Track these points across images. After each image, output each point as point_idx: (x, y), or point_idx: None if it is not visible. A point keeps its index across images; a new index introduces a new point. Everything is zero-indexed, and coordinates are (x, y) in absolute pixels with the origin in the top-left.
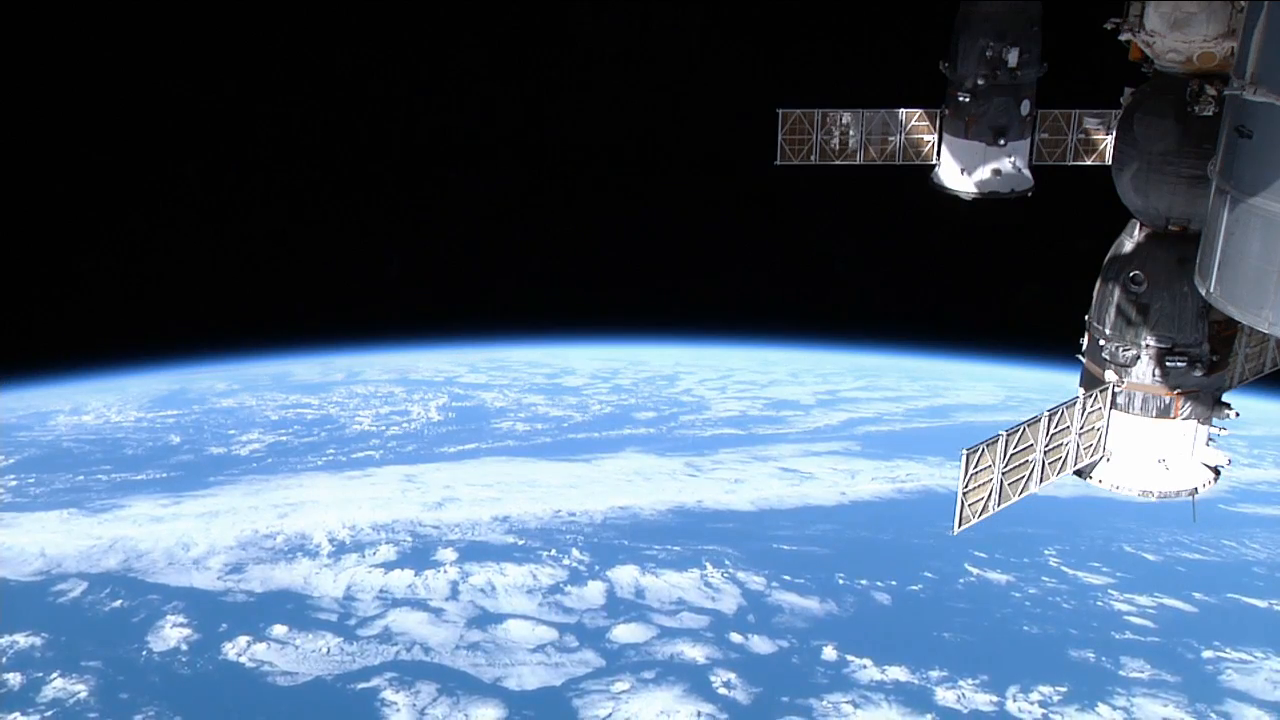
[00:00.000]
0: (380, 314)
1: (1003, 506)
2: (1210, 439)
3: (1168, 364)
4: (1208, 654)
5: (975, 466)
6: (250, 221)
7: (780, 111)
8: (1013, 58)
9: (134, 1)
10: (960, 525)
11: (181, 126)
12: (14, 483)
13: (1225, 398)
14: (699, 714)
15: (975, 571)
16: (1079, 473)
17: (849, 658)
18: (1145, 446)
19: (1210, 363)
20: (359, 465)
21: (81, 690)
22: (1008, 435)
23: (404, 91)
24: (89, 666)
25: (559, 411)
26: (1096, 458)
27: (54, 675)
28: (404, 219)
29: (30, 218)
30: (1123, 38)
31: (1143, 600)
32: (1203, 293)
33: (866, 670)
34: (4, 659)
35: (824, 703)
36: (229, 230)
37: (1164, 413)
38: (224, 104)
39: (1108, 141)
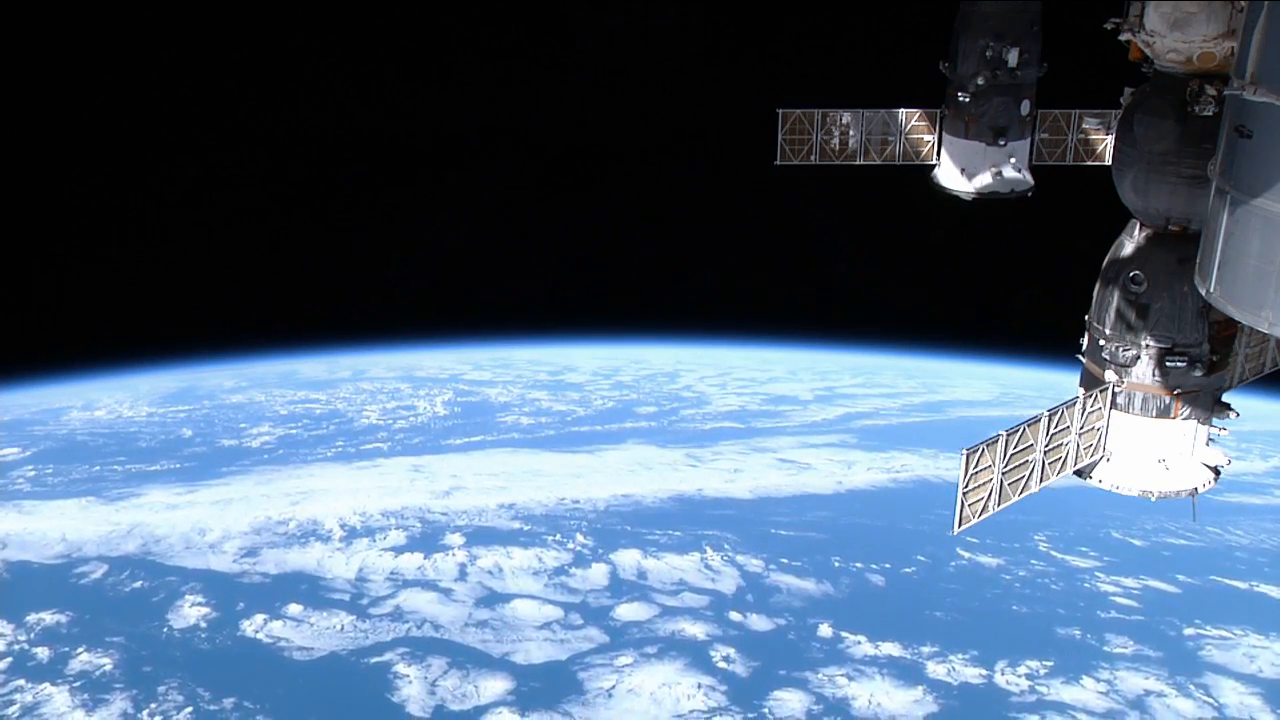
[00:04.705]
0: (385, 314)
1: (1003, 506)
2: (1210, 439)
3: (1168, 364)
4: (1189, 631)
5: (975, 466)
6: (255, 223)
7: (780, 111)
8: (1013, 58)
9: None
10: (960, 525)
11: (187, 127)
12: (32, 473)
13: (1225, 398)
14: (699, 685)
15: (966, 555)
16: (1079, 473)
17: (844, 634)
18: (1145, 446)
19: (1210, 363)
20: (367, 456)
21: (106, 663)
22: (1008, 435)
23: (407, 91)
24: (113, 642)
25: (562, 406)
26: (1096, 458)
27: (80, 650)
28: (406, 220)
29: (38, 219)
30: (1123, 38)
31: (1128, 582)
32: (1203, 293)
33: (860, 646)
34: (32, 635)
35: (819, 675)
36: (234, 231)
37: (1164, 413)
38: (229, 104)
39: (1108, 141)
